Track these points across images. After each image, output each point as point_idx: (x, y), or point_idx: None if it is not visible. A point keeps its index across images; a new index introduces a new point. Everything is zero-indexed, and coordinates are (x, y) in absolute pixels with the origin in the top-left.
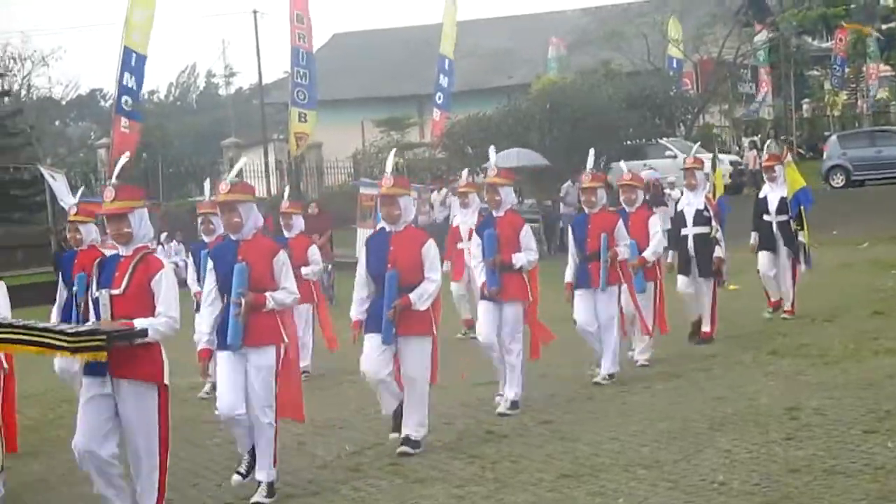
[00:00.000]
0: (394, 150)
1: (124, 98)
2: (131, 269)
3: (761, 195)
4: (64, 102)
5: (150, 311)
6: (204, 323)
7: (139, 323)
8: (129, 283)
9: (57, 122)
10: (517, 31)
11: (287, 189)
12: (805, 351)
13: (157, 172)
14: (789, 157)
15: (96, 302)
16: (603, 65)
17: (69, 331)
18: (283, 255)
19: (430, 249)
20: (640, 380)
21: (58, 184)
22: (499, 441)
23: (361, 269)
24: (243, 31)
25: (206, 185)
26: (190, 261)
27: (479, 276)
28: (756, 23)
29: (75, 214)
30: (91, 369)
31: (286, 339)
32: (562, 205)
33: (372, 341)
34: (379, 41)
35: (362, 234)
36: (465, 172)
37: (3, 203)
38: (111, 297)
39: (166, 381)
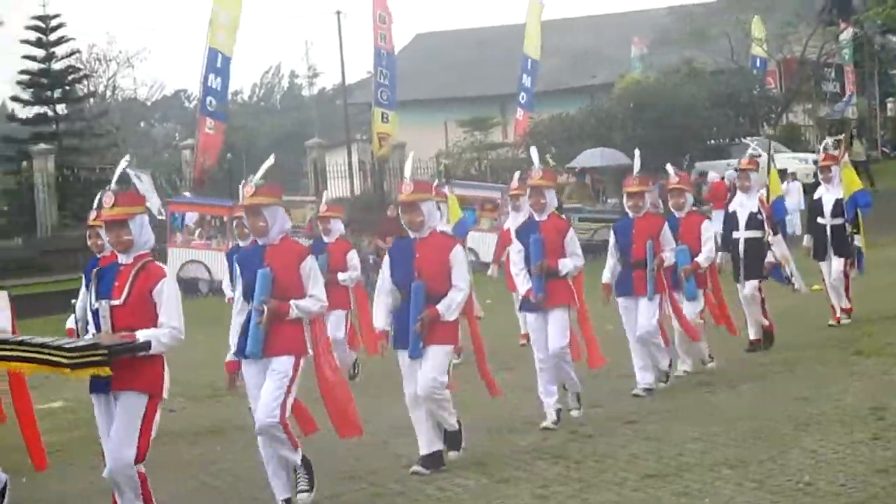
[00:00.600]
0: (411, 153)
1: (209, 99)
2: (131, 278)
3: (816, 196)
4: (149, 103)
5: (152, 321)
6: (234, 333)
7: (141, 334)
8: (130, 293)
9: (142, 123)
10: (600, 30)
11: (325, 193)
12: (890, 350)
13: (242, 173)
14: (846, 158)
15: (96, 313)
16: (686, 64)
17: (68, 346)
18: (310, 261)
19: (458, 256)
20: (724, 380)
21: (143, 184)
22: (583, 441)
23: (385, 277)
24: (327, 32)
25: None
26: (225, 266)
27: (522, 285)
28: (840, 21)
29: (94, 219)
30: (95, 386)
31: (310, 351)
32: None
33: (405, 359)
34: (461, 41)
35: None
36: (516, 175)
37: (88, 204)
38: (111, 307)
39: (164, 395)
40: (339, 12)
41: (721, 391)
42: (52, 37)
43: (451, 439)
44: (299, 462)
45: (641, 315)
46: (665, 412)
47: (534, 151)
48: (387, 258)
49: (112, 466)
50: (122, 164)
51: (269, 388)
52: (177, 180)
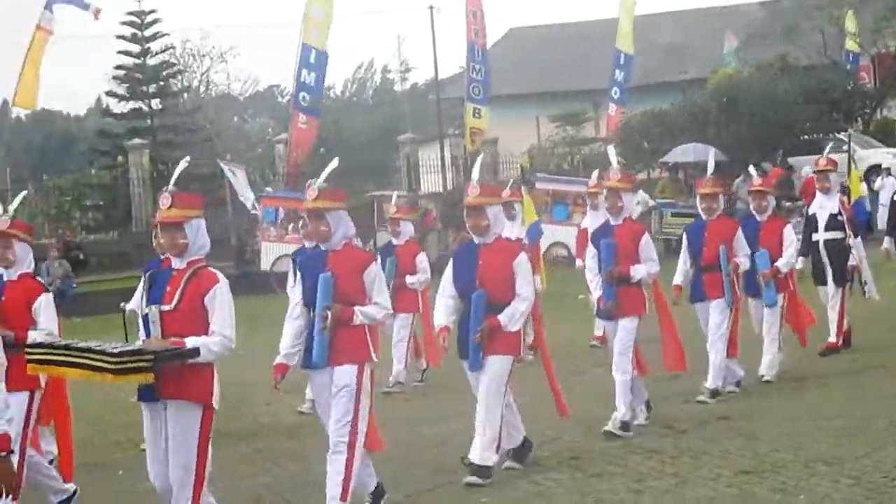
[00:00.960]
0: (481, 155)
1: (302, 94)
2: (183, 283)
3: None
4: (242, 98)
5: (203, 328)
6: (286, 336)
7: (191, 342)
8: (181, 299)
9: (235, 118)
10: (692, 25)
11: (395, 194)
12: None
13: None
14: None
15: (146, 318)
16: (779, 59)
17: (112, 351)
18: (374, 268)
19: (522, 264)
20: (816, 377)
21: (237, 179)
22: (677, 436)
23: (447, 283)
24: (419, 27)
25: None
26: (291, 268)
27: (595, 290)
28: None
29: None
30: (143, 394)
31: (374, 358)
32: (737, 201)
33: (467, 368)
34: (554, 36)
35: None
36: (595, 172)
37: None
38: (161, 313)
39: (215, 405)
40: (431, 7)
41: (812, 388)
42: (147, 32)
43: (517, 453)
44: (367, 480)
45: (713, 316)
46: (758, 409)
47: (611, 151)
48: (450, 263)
49: (174, 482)
50: (182, 164)
51: (337, 407)
52: (270, 175)
